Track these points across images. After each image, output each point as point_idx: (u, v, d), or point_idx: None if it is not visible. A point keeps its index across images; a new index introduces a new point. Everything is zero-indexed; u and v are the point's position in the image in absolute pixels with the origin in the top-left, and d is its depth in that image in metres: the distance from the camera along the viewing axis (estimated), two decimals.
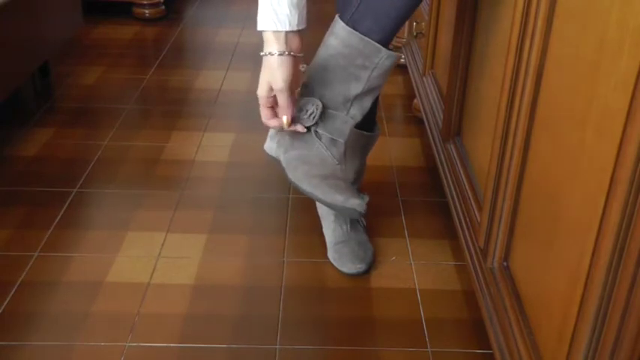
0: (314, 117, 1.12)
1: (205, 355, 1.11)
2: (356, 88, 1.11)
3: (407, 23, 1.97)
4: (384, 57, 1.08)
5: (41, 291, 1.23)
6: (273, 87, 1.07)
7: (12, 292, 1.22)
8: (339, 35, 1.08)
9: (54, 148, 1.70)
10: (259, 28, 1.06)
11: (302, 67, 1.11)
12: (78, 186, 1.55)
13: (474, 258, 1.12)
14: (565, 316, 0.78)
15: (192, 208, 1.48)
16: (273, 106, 1.11)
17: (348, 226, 1.35)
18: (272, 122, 1.12)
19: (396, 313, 1.22)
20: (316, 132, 1.14)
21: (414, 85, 1.81)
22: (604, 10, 0.72)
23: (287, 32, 1.05)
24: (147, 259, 1.32)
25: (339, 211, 1.17)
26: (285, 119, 1.10)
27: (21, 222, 1.41)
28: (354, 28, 1.06)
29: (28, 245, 1.34)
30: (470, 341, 1.16)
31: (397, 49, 2.10)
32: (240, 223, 1.44)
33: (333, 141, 1.14)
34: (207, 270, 1.30)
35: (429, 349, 1.14)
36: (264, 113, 1.12)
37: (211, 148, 1.74)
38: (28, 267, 1.28)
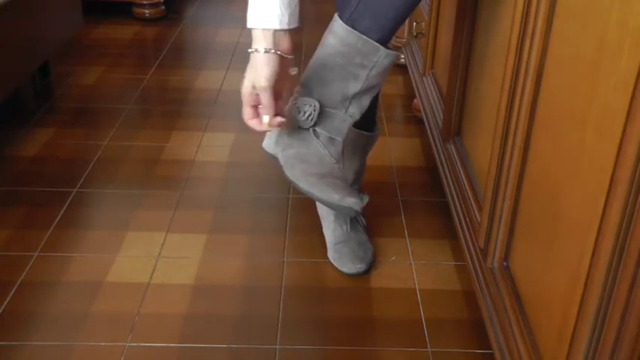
0: (312, 119, 1.11)
1: (205, 355, 1.11)
2: (354, 87, 1.11)
3: (407, 23, 1.97)
4: (382, 56, 1.08)
5: (41, 291, 1.23)
6: (256, 85, 1.06)
7: (12, 292, 1.22)
8: (338, 34, 1.08)
9: (54, 148, 1.70)
10: (249, 25, 1.04)
11: (292, 71, 1.10)
12: (78, 186, 1.55)
13: (474, 258, 1.12)
14: (565, 316, 0.78)
15: (192, 208, 1.48)
16: (256, 104, 1.10)
17: (348, 226, 1.35)
18: (252, 122, 1.10)
19: (396, 313, 1.22)
20: (314, 130, 1.13)
21: (414, 85, 1.81)
22: (604, 10, 0.72)
23: (276, 31, 1.03)
24: (147, 259, 1.32)
25: (335, 209, 1.17)
26: (266, 118, 1.08)
27: (21, 222, 1.41)
28: (352, 27, 1.06)
29: (28, 245, 1.34)
30: (470, 341, 1.16)
31: (397, 49, 2.10)
32: (240, 223, 1.44)
33: (331, 139, 1.14)
34: (207, 270, 1.30)
35: (429, 349, 1.14)
36: (246, 111, 1.10)
37: (211, 148, 1.74)
38: (28, 267, 1.28)
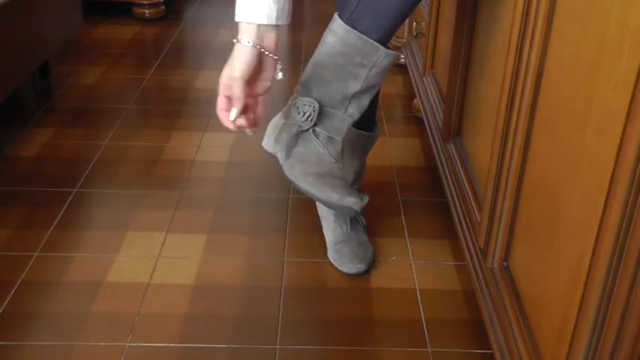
0: (311, 119, 1.11)
1: (205, 355, 1.11)
2: (354, 87, 1.11)
3: (407, 23, 1.97)
4: (382, 55, 1.08)
5: (41, 291, 1.23)
6: (231, 74, 1.04)
7: (12, 292, 1.22)
8: (338, 33, 1.08)
9: (54, 148, 1.70)
10: (236, 19, 1.04)
11: (278, 75, 1.09)
12: (78, 186, 1.55)
13: (474, 258, 1.12)
14: (565, 316, 0.78)
15: (192, 208, 1.48)
16: (230, 96, 1.09)
17: (348, 226, 1.35)
18: (222, 114, 1.08)
19: (396, 313, 1.22)
20: (314, 130, 1.13)
21: (414, 85, 1.81)
22: (604, 10, 0.72)
23: (260, 25, 1.03)
24: (147, 259, 1.32)
25: (335, 209, 1.17)
26: (233, 111, 1.06)
27: (21, 222, 1.41)
28: (352, 26, 1.06)
29: (28, 245, 1.34)
30: (470, 341, 1.16)
31: (397, 49, 2.10)
32: (240, 223, 1.44)
33: (330, 139, 1.14)
34: (207, 270, 1.30)
35: (429, 349, 1.14)
36: (219, 100, 1.08)
37: (211, 148, 1.74)
38: (28, 267, 1.28)
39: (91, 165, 1.63)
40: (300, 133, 1.14)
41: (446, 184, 1.35)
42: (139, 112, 1.92)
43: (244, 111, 1.08)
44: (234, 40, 1.05)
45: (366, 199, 1.21)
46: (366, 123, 1.28)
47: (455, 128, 1.38)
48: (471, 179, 1.24)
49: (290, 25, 2.65)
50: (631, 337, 0.67)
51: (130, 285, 1.25)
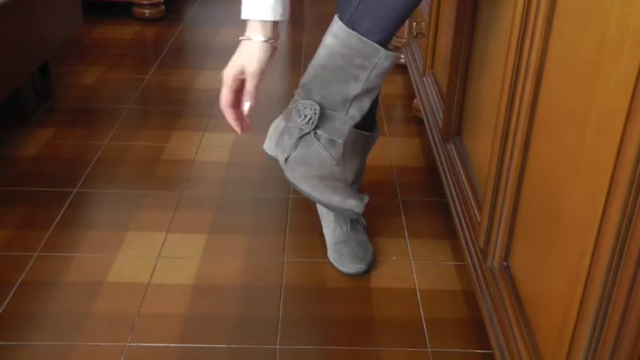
0: (312, 122, 1.12)
1: (205, 355, 1.11)
2: (355, 89, 1.11)
3: (407, 23, 1.97)
4: (382, 57, 1.08)
5: (41, 291, 1.23)
6: (247, 70, 1.08)
7: (12, 292, 1.22)
8: (338, 35, 1.08)
9: (54, 148, 1.70)
10: (244, 16, 1.08)
11: (246, 106, 1.11)
12: (78, 186, 1.55)
13: (474, 258, 1.12)
14: (565, 316, 0.78)
15: (192, 208, 1.48)
16: (238, 90, 1.10)
17: (348, 226, 1.35)
18: (229, 111, 1.11)
19: (396, 313, 1.22)
20: (315, 133, 1.14)
21: (414, 85, 1.81)
22: (604, 10, 0.72)
23: (269, 22, 1.08)
24: (147, 259, 1.32)
25: (336, 211, 1.17)
26: (247, 105, 1.10)
27: (21, 222, 1.41)
28: (352, 28, 1.06)
29: (28, 245, 1.34)
30: (470, 341, 1.16)
31: (397, 49, 2.10)
32: (240, 223, 1.44)
33: (331, 142, 1.14)
34: (207, 270, 1.30)
35: (429, 349, 1.14)
36: (227, 95, 1.10)
37: (211, 148, 1.74)
38: (28, 267, 1.28)
39: (91, 165, 1.63)
40: (301, 136, 1.14)
41: (446, 184, 1.35)
42: (139, 112, 1.92)
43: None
44: (242, 38, 1.08)
45: (366, 199, 1.21)
46: (366, 123, 1.28)
47: (455, 128, 1.38)
48: (471, 179, 1.24)
49: (290, 26, 2.65)
50: (631, 337, 0.67)
51: (130, 285, 1.25)
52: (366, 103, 1.14)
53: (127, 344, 1.12)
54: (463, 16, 1.30)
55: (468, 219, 1.20)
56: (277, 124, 1.20)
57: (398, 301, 1.25)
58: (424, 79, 1.71)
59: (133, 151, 1.70)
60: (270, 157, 1.21)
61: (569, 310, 0.77)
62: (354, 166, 1.34)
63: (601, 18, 0.72)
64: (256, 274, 1.30)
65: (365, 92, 1.12)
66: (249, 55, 1.07)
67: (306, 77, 1.13)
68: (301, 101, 1.12)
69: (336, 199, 1.13)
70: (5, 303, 1.20)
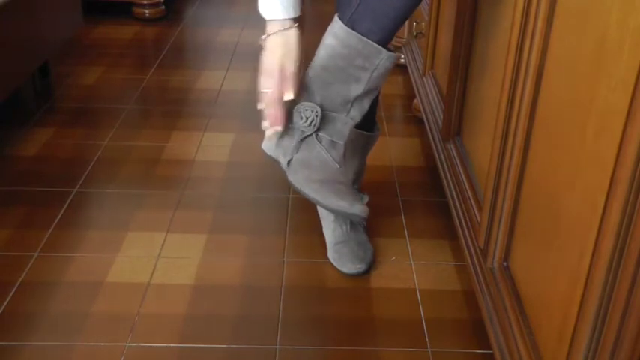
0: (314, 124, 1.12)
1: (205, 355, 1.11)
2: (356, 89, 1.11)
3: (407, 23, 1.97)
4: (384, 58, 1.08)
5: (41, 291, 1.23)
6: (290, 59, 1.09)
7: (12, 292, 1.22)
8: (339, 36, 1.08)
9: (54, 148, 1.70)
10: (267, 17, 1.08)
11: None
12: (78, 186, 1.55)
13: (474, 258, 1.12)
14: (565, 316, 0.78)
15: (192, 208, 1.48)
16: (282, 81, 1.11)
17: (348, 226, 1.35)
18: (278, 107, 1.11)
19: (396, 313, 1.22)
20: (317, 135, 1.14)
21: (414, 85, 1.81)
22: (604, 10, 0.72)
23: (291, 19, 1.10)
24: (147, 259, 1.32)
25: (341, 215, 1.17)
26: (290, 94, 1.11)
27: (21, 222, 1.41)
28: (353, 28, 1.06)
29: (28, 245, 1.34)
30: (470, 341, 1.16)
31: (397, 49, 2.10)
32: (240, 223, 1.44)
33: (333, 143, 1.15)
34: (207, 270, 1.30)
35: (429, 349, 1.14)
36: (277, 91, 1.10)
37: (211, 148, 1.74)
38: (28, 267, 1.28)
39: (91, 165, 1.63)
40: (302, 139, 1.14)
41: (446, 184, 1.35)
42: (139, 112, 1.92)
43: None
44: (271, 33, 1.09)
45: (366, 198, 1.21)
46: (366, 123, 1.28)
47: (455, 128, 1.38)
48: (471, 179, 1.24)
49: None
50: (631, 337, 0.67)
51: (130, 285, 1.25)
52: (366, 104, 1.14)
53: (127, 344, 1.12)
54: (463, 16, 1.30)
55: (468, 219, 1.20)
56: None
57: (398, 301, 1.25)
58: (424, 79, 1.71)
59: (133, 151, 1.70)
60: (270, 157, 1.21)
61: (569, 310, 0.77)
62: (354, 166, 1.34)
63: (601, 18, 0.72)
64: (256, 274, 1.30)
65: (366, 93, 1.12)
66: (287, 46, 1.09)
67: (306, 78, 1.13)
68: (302, 103, 1.12)
69: (343, 205, 1.14)
70: (5, 303, 1.20)
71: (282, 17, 1.08)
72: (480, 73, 1.24)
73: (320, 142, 1.14)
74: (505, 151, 1.00)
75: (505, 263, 1.04)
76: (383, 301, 1.25)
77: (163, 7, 2.71)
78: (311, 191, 1.15)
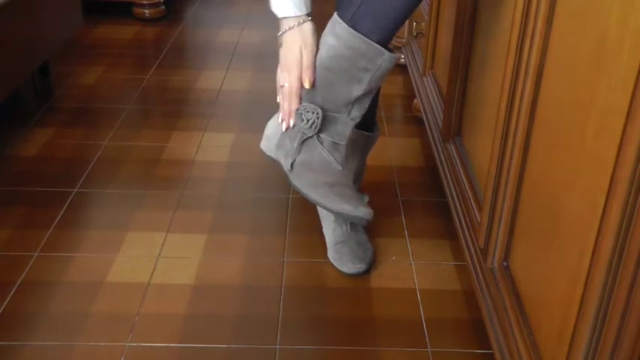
0: (315, 126, 1.12)
1: (205, 355, 1.11)
2: (358, 90, 1.11)
3: (407, 23, 1.97)
4: (385, 59, 1.08)
5: (41, 291, 1.23)
6: (308, 52, 1.11)
7: (12, 292, 1.22)
8: (341, 36, 1.08)
9: (54, 148, 1.70)
10: (280, 14, 1.10)
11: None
12: (78, 186, 1.55)
13: (474, 258, 1.12)
14: (565, 316, 0.78)
15: (192, 208, 1.48)
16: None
17: (348, 226, 1.35)
18: (296, 101, 1.14)
19: (396, 313, 1.22)
20: (318, 137, 1.14)
21: (414, 85, 1.81)
22: (604, 10, 0.72)
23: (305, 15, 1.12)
24: (147, 259, 1.32)
25: (346, 218, 1.17)
26: (309, 82, 1.12)
27: (21, 222, 1.41)
28: (354, 28, 1.06)
29: (28, 245, 1.34)
30: (470, 341, 1.16)
31: (397, 49, 2.10)
32: (240, 223, 1.44)
33: (334, 145, 1.14)
34: (207, 270, 1.30)
35: (429, 349, 1.14)
36: (298, 85, 1.12)
37: (211, 148, 1.74)
38: (28, 267, 1.28)
39: (91, 165, 1.63)
40: (303, 140, 1.14)
41: (446, 184, 1.35)
42: (139, 112, 1.92)
43: None
44: (288, 28, 1.11)
45: (366, 198, 1.21)
46: (366, 123, 1.28)
47: (455, 128, 1.38)
48: (471, 179, 1.24)
49: None
50: (631, 337, 0.67)
51: (130, 285, 1.25)
52: (366, 104, 1.14)
53: (127, 344, 1.12)
54: (463, 16, 1.30)
55: (468, 219, 1.20)
56: (274, 123, 1.20)
57: (398, 301, 1.25)
58: (424, 79, 1.71)
59: (133, 151, 1.70)
60: (270, 157, 1.21)
61: (569, 310, 0.77)
62: (354, 166, 1.34)
63: (601, 18, 0.72)
64: (256, 274, 1.30)
65: (366, 93, 1.12)
66: (304, 36, 1.11)
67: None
68: (304, 105, 1.12)
69: (347, 208, 1.14)
70: (5, 303, 1.20)
71: (294, 14, 1.10)
72: (480, 73, 1.24)
73: (321, 144, 1.14)
74: (505, 151, 1.00)
75: (505, 263, 1.04)
76: (383, 301, 1.25)
77: (163, 7, 2.71)
78: (316, 195, 1.15)
